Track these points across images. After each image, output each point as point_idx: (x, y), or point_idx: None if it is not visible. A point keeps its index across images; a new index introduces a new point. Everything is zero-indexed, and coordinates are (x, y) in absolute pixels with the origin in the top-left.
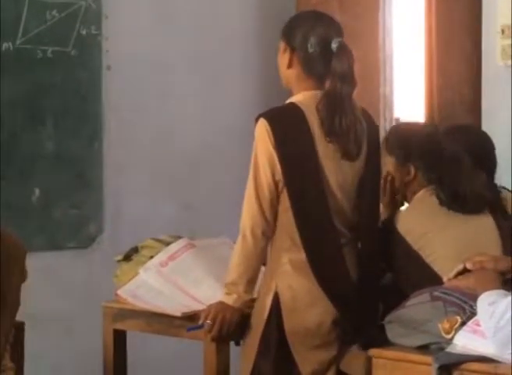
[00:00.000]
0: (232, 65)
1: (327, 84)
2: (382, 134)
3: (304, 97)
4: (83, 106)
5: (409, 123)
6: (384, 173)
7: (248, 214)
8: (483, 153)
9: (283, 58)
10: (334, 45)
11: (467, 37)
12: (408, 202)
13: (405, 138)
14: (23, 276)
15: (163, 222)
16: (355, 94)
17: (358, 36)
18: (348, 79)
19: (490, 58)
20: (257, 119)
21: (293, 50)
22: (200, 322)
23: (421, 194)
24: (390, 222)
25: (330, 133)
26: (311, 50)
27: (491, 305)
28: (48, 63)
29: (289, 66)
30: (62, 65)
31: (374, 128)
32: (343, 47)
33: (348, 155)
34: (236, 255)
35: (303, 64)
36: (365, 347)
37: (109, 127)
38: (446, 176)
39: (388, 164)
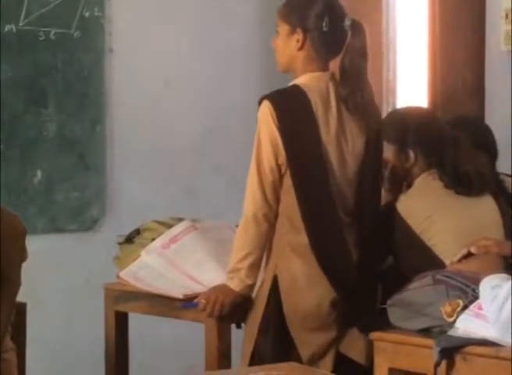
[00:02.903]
0: (234, 48)
1: (330, 66)
2: None
3: (307, 79)
4: (85, 89)
5: (404, 109)
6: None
7: (250, 198)
8: (486, 145)
9: (289, 41)
10: (348, 23)
11: (470, 22)
12: None
13: (401, 124)
14: (23, 254)
15: (165, 205)
16: None
17: (361, 20)
18: (364, 54)
19: (493, 44)
20: (260, 101)
21: (305, 31)
22: (196, 300)
23: (422, 177)
24: (391, 206)
25: (355, 109)
26: (325, 29)
27: (494, 288)
28: (51, 45)
29: (301, 47)
30: (65, 47)
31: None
32: (357, 23)
33: (369, 129)
34: (238, 239)
35: (316, 44)
36: (364, 329)
37: (111, 110)
38: (446, 158)
39: (386, 151)
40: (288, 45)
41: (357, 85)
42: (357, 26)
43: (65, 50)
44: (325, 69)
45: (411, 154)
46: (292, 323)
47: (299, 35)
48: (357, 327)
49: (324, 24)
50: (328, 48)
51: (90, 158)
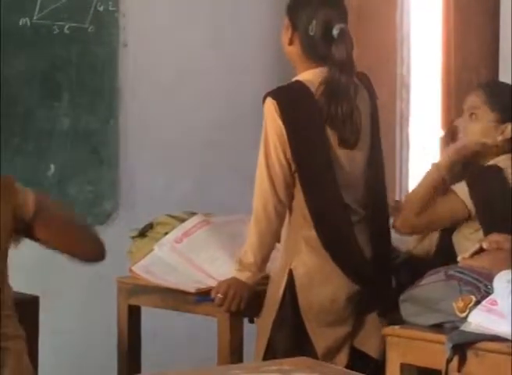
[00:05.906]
0: (248, 42)
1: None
2: (398, 113)
3: (310, 75)
4: (99, 83)
5: (503, 83)
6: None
7: (260, 193)
8: None
9: (285, 35)
10: (335, 32)
11: (484, 17)
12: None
13: (508, 97)
14: (15, 211)
15: (178, 198)
16: (372, 73)
17: (375, 15)
18: (347, 67)
19: (507, 38)
20: (264, 99)
21: (294, 29)
22: (212, 295)
23: (506, 158)
24: (495, 167)
25: (328, 120)
26: (311, 33)
27: (509, 282)
28: (65, 39)
29: (290, 43)
30: (79, 41)
31: (374, 97)
32: (343, 34)
33: (344, 143)
34: (250, 234)
35: (303, 45)
36: (384, 314)
37: (125, 104)
38: None
39: (483, 118)
40: (284, 38)
41: (334, 97)
42: (341, 37)
43: (79, 44)
44: (323, 64)
45: (510, 128)
46: (308, 317)
47: (288, 31)
48: (377, 312)
49: (310, 28)
50: (315, 51)
51: (104, 152)
